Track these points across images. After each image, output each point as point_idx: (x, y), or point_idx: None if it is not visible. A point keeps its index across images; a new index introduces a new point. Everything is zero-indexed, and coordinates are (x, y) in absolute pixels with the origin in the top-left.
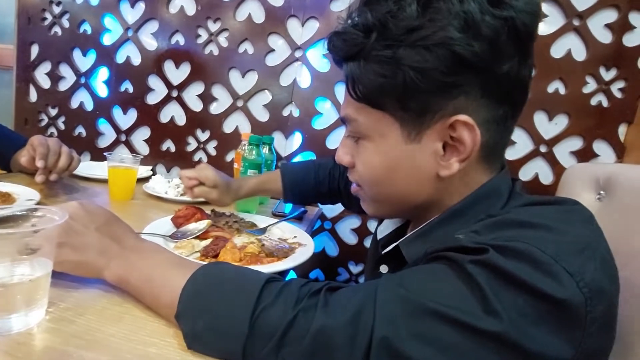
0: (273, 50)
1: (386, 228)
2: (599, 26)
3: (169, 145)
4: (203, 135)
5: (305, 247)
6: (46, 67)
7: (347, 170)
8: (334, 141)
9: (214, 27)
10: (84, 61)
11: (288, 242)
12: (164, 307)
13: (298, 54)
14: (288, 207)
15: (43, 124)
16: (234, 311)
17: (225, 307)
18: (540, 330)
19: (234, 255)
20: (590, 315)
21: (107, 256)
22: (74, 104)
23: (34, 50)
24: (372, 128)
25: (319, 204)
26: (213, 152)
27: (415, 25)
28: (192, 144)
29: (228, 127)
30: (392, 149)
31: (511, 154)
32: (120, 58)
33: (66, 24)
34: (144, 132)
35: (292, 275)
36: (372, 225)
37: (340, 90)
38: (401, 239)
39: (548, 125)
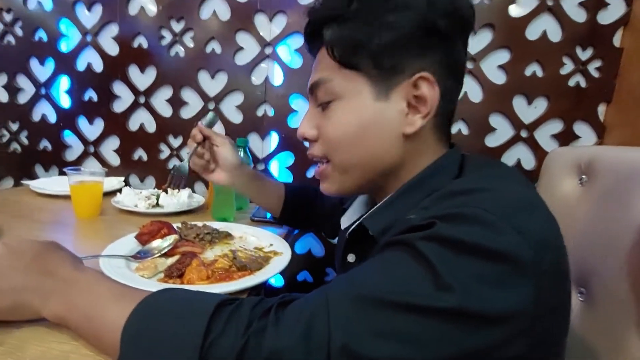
0: (242, 48)
1: (349, 218)
2: (573, 5)
3: (140, 154)
4: (175, 142)
5: (281, 256)
6: (2, 79)
7: (309, 148)
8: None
9: (177, 27)
10: (43, 70)
11: (263, 252)
12: (107, 348)
13: (268, 50)
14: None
15: (4, 140)
16: (182, 349)
17: (171, 345)
18: (495, 291)
19: (200, 274)
20: (539, 267)
21: (42, 294)
22: (36, 116)
23: None
24: (345, 87)
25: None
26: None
27: None
28: (165, 151)
29: None
30: (363, 106)
31: (492, 141)
32: (80, 65)
33: (19, 32)
34: (114, 142)
35: (278, 279)
36: None
37: None
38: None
39: (527, 110)
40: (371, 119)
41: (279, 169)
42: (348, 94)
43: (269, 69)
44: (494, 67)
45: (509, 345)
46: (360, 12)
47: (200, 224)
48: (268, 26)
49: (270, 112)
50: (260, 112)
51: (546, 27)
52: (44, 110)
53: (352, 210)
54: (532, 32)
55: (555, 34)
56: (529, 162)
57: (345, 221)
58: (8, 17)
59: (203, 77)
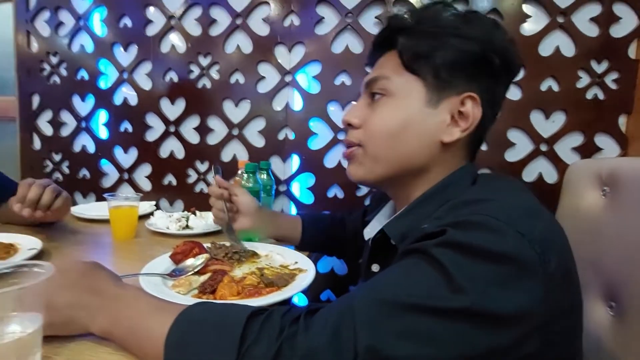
0: (263, 77)
1: (372, 229)
2: (584, 20)
3: (170, 179)
4: (202, 166)
5: (306, 272)
6: (48, 115)
7: (348, 133)
8: (331, 160)
9: (205, 61)
10: (84, 106)
11: (289, 269)
12: (151, 359)
13: (288, 78)
14: None
15: (48, 169)
16: (220, 355)
17: (210, 352)
18: (505, 292)
19: (232, 290)
20: (546, 269)
21: (89, 311)
22: (77, 147)
23: (35, 100)
24: (402, 87)
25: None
26: (213, 182)
27: (457, 25)
28: (193, 176)
29: (226, 156)
30: (412, 107)
31: (512, 156)
32: (117, 100)
33: (64, 72)
34: (146, 169)
35: (302, 299)
36: None
37: (332, 109)
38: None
39: (546, 124)
40: (416, 120)
41: (300, 189)
42: (401, 94)
43: (289, 95)
44: None
45: (522, 345)
46: (432, 29)
47: (228, 243)
48: (287, 56)
49: (291, 136)
50: (281, 136)
51: (559, 43)
52: (84, 142)
53: (375, 221)
54: (545, 49)
55: (568, 49)
56: (550, 176)
57: (369, 232)
58: (54, 60)
59: (228, 106)
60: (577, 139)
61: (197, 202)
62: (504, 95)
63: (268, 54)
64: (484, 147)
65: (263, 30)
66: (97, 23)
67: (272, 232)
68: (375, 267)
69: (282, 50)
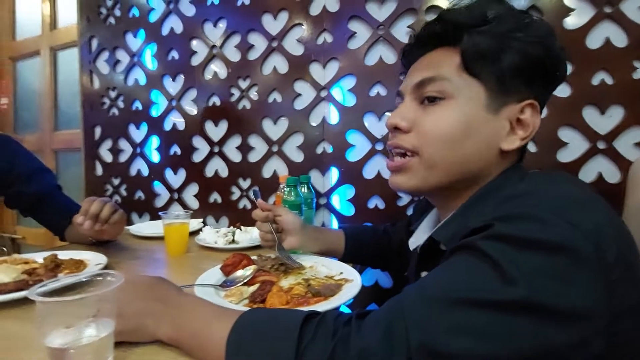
0: (300, 94)
1: (418, 238)
2: (634, 8)
3: (215, 197)
4: (245, 183)
5: (352, 283)
6: (108, 144)
7: (395, 137)
8: (370, 171)
9: (244, 84)
10: (138, 133)
11: (334, 280)
12: (213, 357)
13: (323, 93)
14: None
15: (108, 193)
16: (280, 355)
17: (270, 352)
18: (560, 284)
19: (281, 299)
20: (603, 261)
21: (156, 319)
22: (133, 171)
23: (97, 131)
24: (462, 90)
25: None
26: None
27: (521, 24)
28: (236, 193)
29: (267, 172)
30: (473, 112)
31: (565, 156)
32: (167, 126)
33: (121, 104)
34: (193, 189)
35: (346, 312)
36: None
37: (369, 119)
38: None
39: (601, 120)
40: (476, 126)
41: (340, 201)
42: (461, 97)
43: (325, 109)
44: None
45: (585, 345)
46: (500, 29)
47: (273, 255)
48: (322, 72)
49: (329, 149)
50: (319, 150)
51: (608, 34)
52: (139, 166)
53: (420, 230)
54: (593, 41)
55: (619, 40)
56: (612, 175)
57: (414, 242)
58: (113, 94)
59: (267, 124)
60: (638, 133)
61: (241, 218)
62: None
63: (303, 71)
64: (532, 149)
65: (297, 49)
66: (149, 58)
67: (317, 247)
68: (424, 275)
69: (316, 67)
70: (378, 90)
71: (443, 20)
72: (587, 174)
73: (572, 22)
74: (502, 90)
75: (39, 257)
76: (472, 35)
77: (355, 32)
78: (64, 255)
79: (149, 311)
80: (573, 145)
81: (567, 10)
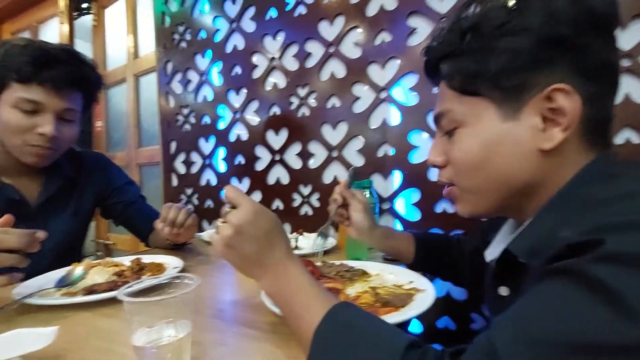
0: (358, 97)
1: (494, 250)
2: None
3: (277, 204)
4: (306, 190)
5: (424, 292)
6: (182, 157)
7: (438, 174)
8: (436, 173)
9: (303, 92)
10: (207, 146)
11: (404, 289)
12: (299, 339)
13: (383, 95)
14: None
15: (183, 202)
16: None
17: None
18: None
19: None
20: None
21: (262, 269)
22: (203, 182)
23: (173, 145)
24: (468, 113)
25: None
26: (317, 204)
27: (504, 20)
28: (297, 200)
29: (327, 178)
30: (489, 129)
31: None
32: (232, 137)
33: (192, 120)
34: (257, 197)
35: (416, 324)
36: None
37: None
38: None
39: None
40: (498, 140)
41: (405, 206)
42: (471, 120)
43: (386, 111)
44: None
45: None
46: (475, 43)
47: (337, 262)
48: (381, 73)
49: (391, 152)
50: (380, 153)
51: None
52: (208, 176)
53: (496, 241)
54: None
55: None
56: None
57: (491, 253)
58: (185, 111)
59: (326, 130)
60: None
61: (303, 224)
62: (610, 55)
63: (361, 74)
64: (635, 139)
65: (355, 53)
66: (215, 75)
67: (386, 247)
68: (503, 290)
69: (375, 68)
70: None
71: (427, 58)
72: None
73: None
74: (509, 94)
75: (126, 261)
76: (448, 63)
77: (416, 28)
78: (147, 259)
79: (260, 260)
80: None
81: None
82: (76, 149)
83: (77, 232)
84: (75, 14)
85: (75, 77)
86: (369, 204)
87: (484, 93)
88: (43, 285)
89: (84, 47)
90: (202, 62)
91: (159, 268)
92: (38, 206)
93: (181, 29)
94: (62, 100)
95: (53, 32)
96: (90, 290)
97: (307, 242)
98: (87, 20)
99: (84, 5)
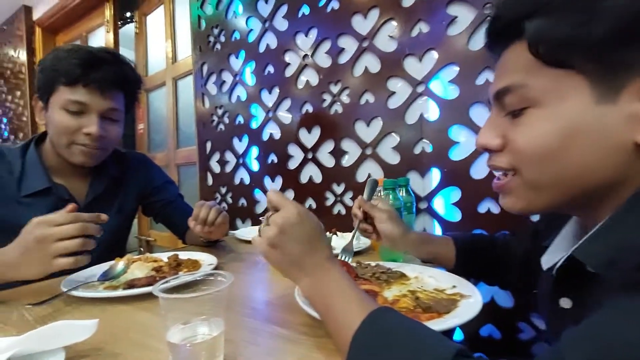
0: (393, 92)
1: (553, 256)
2: None
3: (310, 202)
4: (339, 189)
5: (470, 299)
6: (217, 156)
7: (490, 158)
8: (479, 170)
9: (335, 88)
10: (240, 145)
11: (446, 294)
12: (337, 343)
13: (420, 89)
14: None
15: (217, 201)
16: None
17: None
18: None
19: None
20: None
21: (302, 271)
22: (236, 180)
23: (208, 145)
24: (549, 91)
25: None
26: (350, 203)
27: None
28: (330, 198)
29: (361, 176)
30: (574, 112)
31: None
32: (265, 136)
33: (227, 120)
34: (289, 195)
35: (457, 333)
36: None
37: (476, 111)
38: (572, 248)
39: None
40: (585, 127)
41: (445, 205)
42: (551, 99)
43: (423, 106)
44: None
45: None
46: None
47: (373, 263)
48: (418, 65)
49: (429, 148)
50: (417, 150)
51: None
52: (241, 175)
53: (555, 246)
54: None
55: None
56: None
57: (548, 260)
58: (220, 112)
59: (359, 126)
60: None
61: (336, 224)
62: None
63: (397, 68)
64: None
65: (390, 46)
66: (249, 75)
67: (422, 254)
68: (565, 303)
69: (411, 61)
70: (487, 77)
71: (503, 13)
72: None
73: None
74: (607, 70)
75: (164, 257)
76: (536, 22)
77: (456, 17)
78: (183, 255)
79: (301, 263)
80: None
81: None
82: (121, 150)
83: (121, 229)
84: (120, 22)
85: (118, 77)
86: (394, 212)
87: (578, 66)
88: (88, 279)
89: (127, 55)
90: (235, 62)
91: (194, 264)
92: (86, 205)
93: (216, 31)
94: (106, 100)
95: (100, 40)
96: (130, 285)
97: (341, 242)
98: (130, 29)
99: (128, 14)
